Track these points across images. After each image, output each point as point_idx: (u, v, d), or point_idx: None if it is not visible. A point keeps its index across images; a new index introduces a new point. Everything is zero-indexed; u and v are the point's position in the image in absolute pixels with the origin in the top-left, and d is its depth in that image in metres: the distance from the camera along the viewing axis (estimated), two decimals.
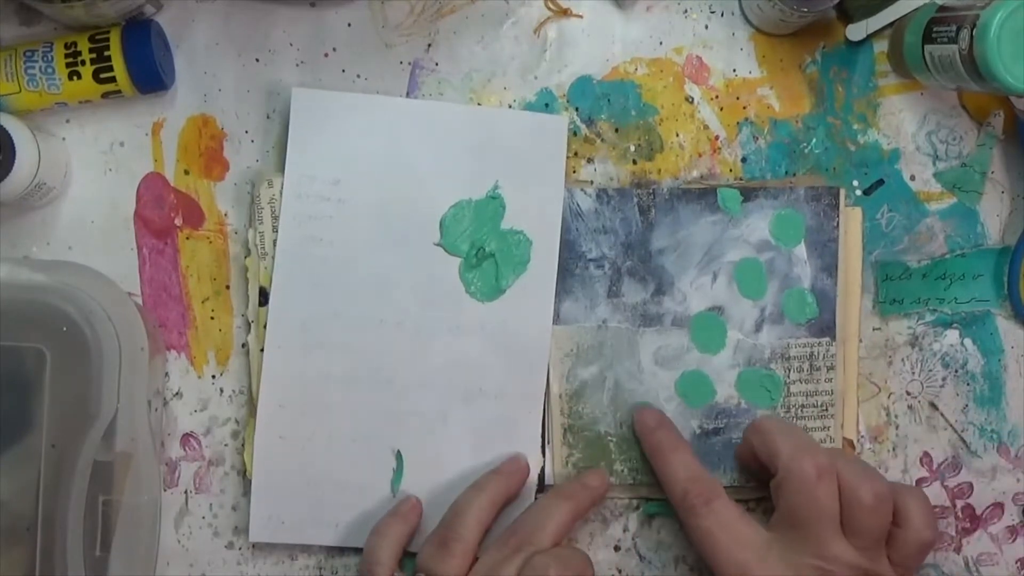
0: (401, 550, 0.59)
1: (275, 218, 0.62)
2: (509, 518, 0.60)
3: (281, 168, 0.62)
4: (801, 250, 0.62)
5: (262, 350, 0.61)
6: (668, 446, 0.59)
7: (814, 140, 0.64)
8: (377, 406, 0.61)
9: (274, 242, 0.61)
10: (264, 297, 0.62)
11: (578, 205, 0.62)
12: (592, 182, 0.63)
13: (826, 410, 0.62)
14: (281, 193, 0.61)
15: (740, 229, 0.62)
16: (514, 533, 0.58)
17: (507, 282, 0.62)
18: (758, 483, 0.62)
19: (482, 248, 0.62)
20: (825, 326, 0.62)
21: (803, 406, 0.62)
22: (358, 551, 0.63)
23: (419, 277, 0.61)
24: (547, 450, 0.62)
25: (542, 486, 0.62)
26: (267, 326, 0.61)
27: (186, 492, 0.63)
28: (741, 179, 0.63)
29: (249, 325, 0.62)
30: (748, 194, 0.62)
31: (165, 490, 0.63)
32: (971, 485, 0.64)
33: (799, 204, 0.62)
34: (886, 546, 0.55)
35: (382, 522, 0.60)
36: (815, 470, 0.54)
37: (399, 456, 0.61)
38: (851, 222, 0.63)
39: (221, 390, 0.63)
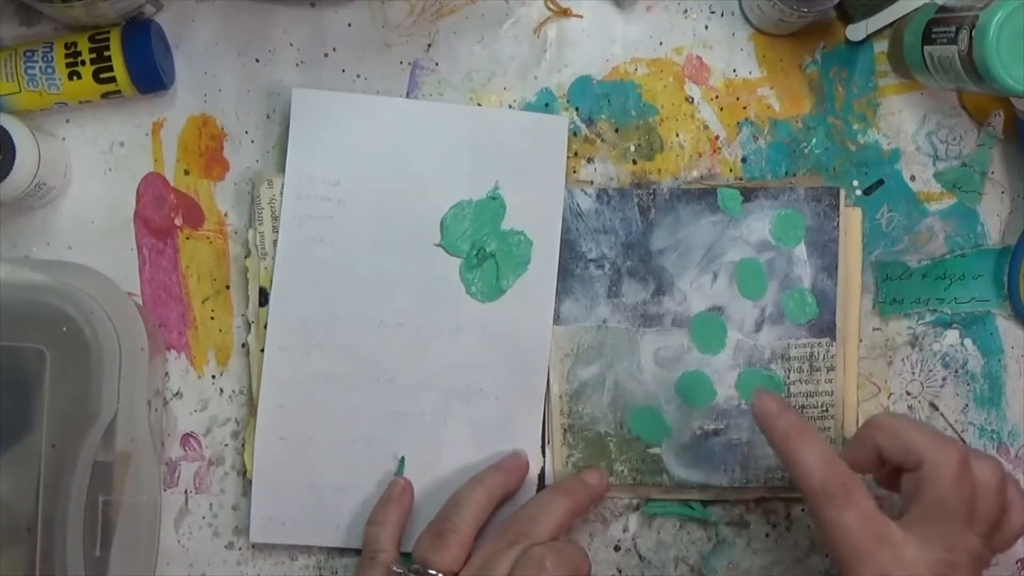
0: (401, 534, 0.60)
1: (275, 218, 0.62)
2: (506, 515, 0.60)
3: (281, 168, 0.62)
4: (801, 250, 0.62)
5: (262, 350, 0.61)
6: (796, 432, 0.53)
7: (814, 140, 0.64)
8: (377, 406, 0.61)
9: (274, 242, 0.61)
10: (264, 297, 0.62)
11: (578, 205, 0.62)
12: (592, 182, 0.63)
13: (827, 411, 0.62)
14: (281, 193, 0.61)
15: (740, 229, 0.62)
16: (511, 526, 0.58)
17: (507, 282, 0.62)
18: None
19: (482, 248, 0.62)
20: (825, 326, 0.62)
21: (803, 407, 0.62)
22: (358, 552, 0.63)
23: (419, 277, 0.61)
24: (547, 450, 0.62)
25: (542, 486, 0.62)
26: (267, 326, 0.61)
27: (186, 492, 0.63)
28: (741, 179, 0.63)
29: (249, 325, 0.62)
30: (748, 194, 0.62)
31: (165, 490, 0.63)
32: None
33: (799, 204, 0.62)
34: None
35: (378, 509, 0.60)
36: (959, 460, 0.51)
37: (402, 460, 0.61)
38: (851, 222, 0.63)
39: (221, 390, 0.63)
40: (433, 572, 0.56)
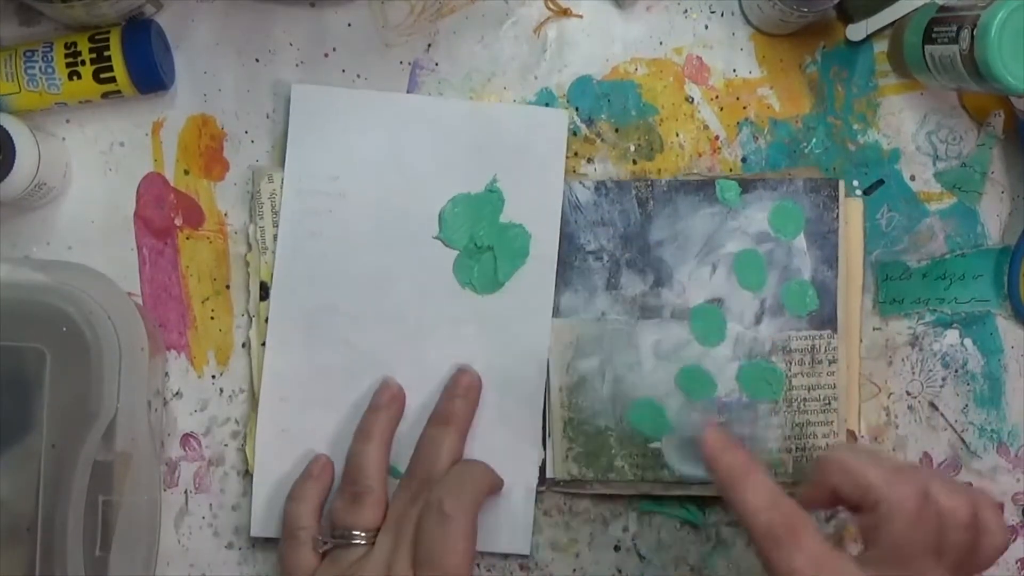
0: (320, 510, 0.60)
1: (275, 213, 0.62)
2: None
3: (281, 166, 0.62)
4: (801, 241, 0.62)
5: (263, 345, 0.61)
6: (742, 470, 0.49)
7: (814, 140, 0.64)
8: None
9: (274, 237, 0.61)
10: (265, 292, 0.62)
11: (576, 198, 0.62)
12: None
13: (829, 404, 0.62)
14: (281, 188, 0.61)
15: (739, 220, 0.62)
16: (413, 475, 0.59)
17: (506, 275, 0.62)
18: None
19: (481, 241, 0.62)
20: (826, 318, 0.62)
21: (805, 400, 0.62)
22: None
23: (419, 271, 0.62)
24: (548, 443, 0.62)
25: (543, 480, 0.62)
26: (268, 320, 0.61)
27: (186, 492, 0.63)
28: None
29: (250, 320, 0.62)
30: (746, 185, 0.62)
31: (165, 490, 0.63)
32: (971, 485, 0.64)
33: (798, 195, 0.62)
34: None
35: (298, 486, 0.60)
36: (916, 498, 0.48)
37: (395, 468, 0.62)
38: (852, 214, 0.63)
39: (221, 390, 0.63)
40: (357, 532, 0.57)
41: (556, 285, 0.62)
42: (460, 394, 0.61)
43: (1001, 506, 0.54)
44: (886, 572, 0.48)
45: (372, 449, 0.59)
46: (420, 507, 0.56)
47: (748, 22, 0.63)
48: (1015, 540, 0.64)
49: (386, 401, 0.61)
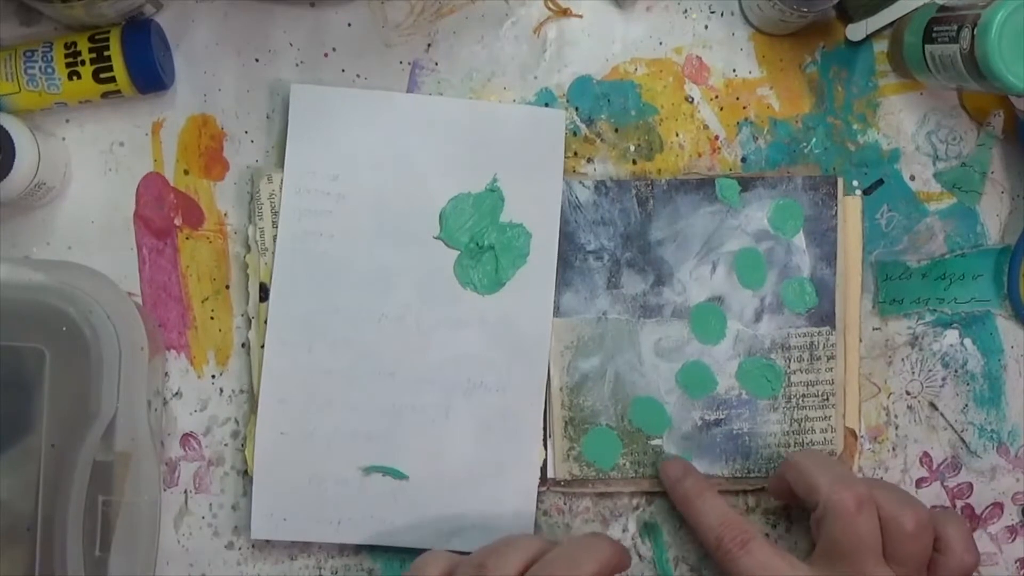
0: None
1: (275, 213, 0.62)
2: None
3: (281, 166, 0.62)
4: (800, 239, 0.62)
5: (263, 346, 0.61)
6: (695, 492, 0.59)
7: (814, 140, 0.64)
8: (378, 400, 0.61)
9: (274, 237, 0.61)
10: (264, 293, 0.62)
11: (576, 197, 0.62)
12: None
13: (827, 400, 0.62)
14: (281, 188, 0.61)
15: (739, 219, 0.62)
16: (550, 564, 0.51)
17: (507, 275, 0.62)
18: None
19: (482, 241, 0.62)
20: (825, 315, 0.62)
21: (804, 396, 0.62)
22: (358, 550, 0.63)
23: (419, 271, 0.62)
24: (548, 443, 0.62)
25: (544, 480, 0.62)
26: (267, 322, 0.61)
27: (186, 492, 0.63)
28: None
29: (250, 322, 0.62)
30: (746, 184, 0.62)
31: (165, 490, 0.63)
32: (971, 485, 0.64)
33: (797, 194, 0.62)
34: (928, 572, 0.55)
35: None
36: (855, 501, 0.53)
37: (394, 470, 0.62)
38: (850, 211, 0.63)
39: (221, 390, 0.63)
40: None
41: (557, 285, 0.62)
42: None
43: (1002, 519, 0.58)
44: (827, 567, 0.54)
45: (528, 546, 0.53)
46: None
47: (748, 22, 0.64)
48: (1014, 540, 0.64)
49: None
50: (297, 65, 0.63)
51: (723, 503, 0.58)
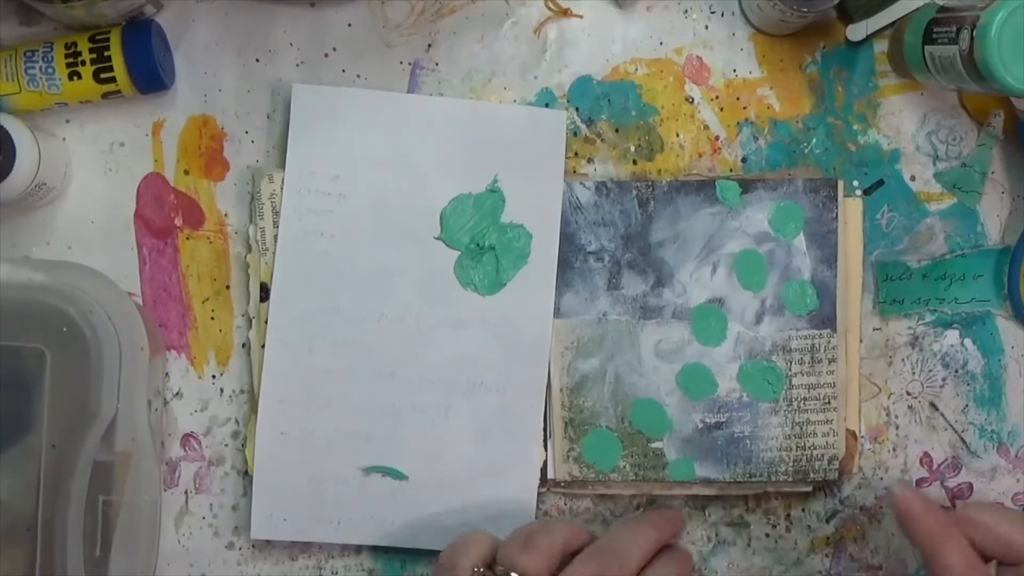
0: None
1: (276, 213, 0.62)
2: None
3: (282, 166, 0.62)
4: (800, 242, 0.62)
5: (263, 346, 0.61)
6: (944, 532, 0.53)
7: (814, 140, 0.64)
8: (378, 400, 0.61)
9: (275, 237, 0.61)
10: (265, 293, 0.62)
11: (577, 198, 0.62)
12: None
13: (829, 403, 0.62)
14: (281, 188, 0.61)
15: (739, 221, 0.62)
16: (600, 553, 0.53)
17: (507, 275, 0.62)
18: None
19: (482, 242, 0.62)
20: (826, 317, 0.62)
21: (805, 399, 0.62)
22: (359, 551, 0.63)
23: (420, 271, 0.62)
24: (548, 444, 0.62)
25: (544, 481, 0.62)
26: (268, 321, 0.61)
27: (186, 492, 0.63)
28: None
29: (250, 322, 0.62)
30: (747, 186, 0.62)
31: (165, 490, 0.63)
32: (971, 485, 0.64)
33: (797, 196, 0.62)
34: None
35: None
36: None
37: (396, 472, 0.62)
38: (851, 213, 0.63)
39: (221, 390, 0.63)
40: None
41: (557, 285, 0.62)
42: (671, 515, 0.59)
43: None
44: None
45: (563, 532, 0.54)
46: None
47: (748, 22, 0.63)
48: None
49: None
50: (297, 65, 0.63)
51: (969, 547, 0.52)
